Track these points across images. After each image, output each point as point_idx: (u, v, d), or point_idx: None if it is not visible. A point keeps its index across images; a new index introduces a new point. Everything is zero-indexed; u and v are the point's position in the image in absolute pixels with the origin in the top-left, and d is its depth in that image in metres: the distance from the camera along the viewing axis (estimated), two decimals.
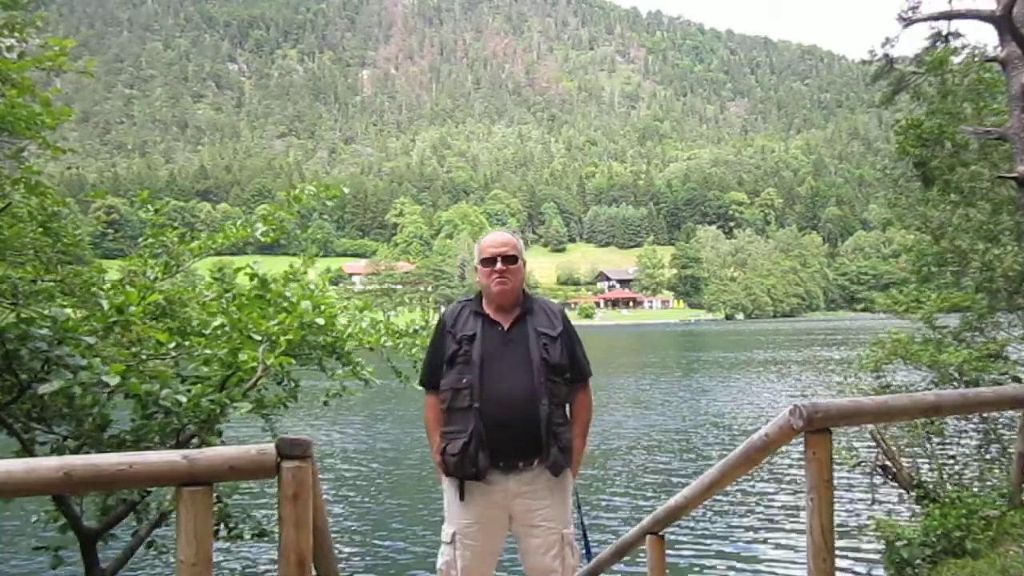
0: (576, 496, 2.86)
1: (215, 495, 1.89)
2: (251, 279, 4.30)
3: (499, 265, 2.75)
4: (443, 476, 2.77)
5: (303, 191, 4.66)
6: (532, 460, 2.67)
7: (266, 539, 4.44)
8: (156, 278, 4.32)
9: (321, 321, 4.14)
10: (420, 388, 2.95)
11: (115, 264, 4.60)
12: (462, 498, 2.70)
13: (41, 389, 2.92)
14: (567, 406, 2.83)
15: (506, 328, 2.76)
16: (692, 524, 8.98)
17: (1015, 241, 7.61)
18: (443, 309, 3.11)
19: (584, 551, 2.76)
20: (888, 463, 7.00)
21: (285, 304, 4.20)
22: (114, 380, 3.00)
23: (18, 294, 3.42)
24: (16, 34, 3.40)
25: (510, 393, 2.65)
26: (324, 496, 2.45)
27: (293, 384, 4.55)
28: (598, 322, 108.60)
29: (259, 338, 3.86)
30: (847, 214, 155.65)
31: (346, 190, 4.92)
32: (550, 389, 2.68)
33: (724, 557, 8.02)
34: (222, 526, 4.45)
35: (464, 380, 2.68)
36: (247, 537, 4.54)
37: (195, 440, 3.83)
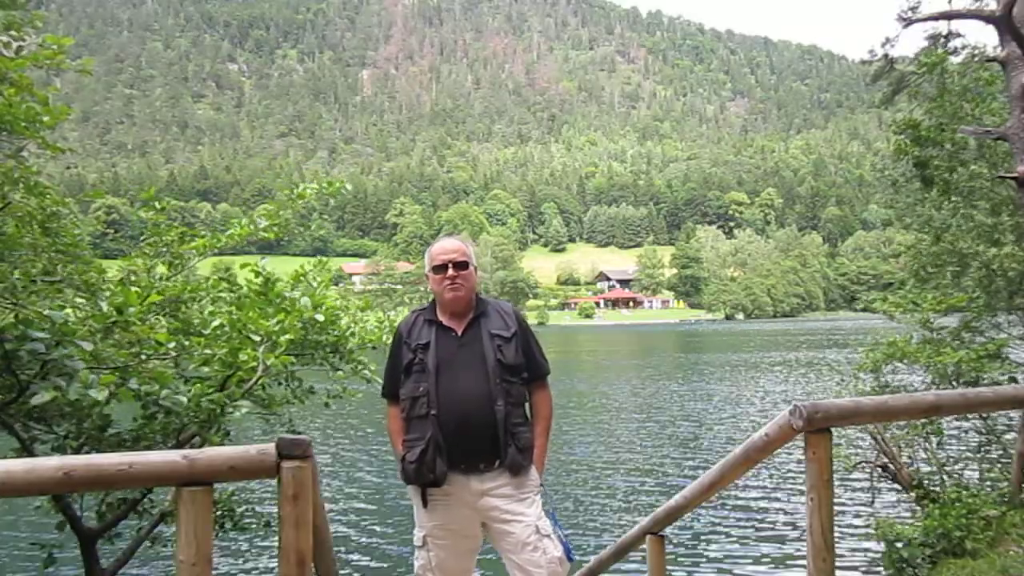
0: (545, 495, 2.85)
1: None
2: (256, 276, 4.31)
3: (450, 271, 2.78)
4: (405, 484, 2.79)
5: (306, 189, 4.68)
6: (492, 461, 2.69)
7: (267, 539, 4.45)
8: (162, 277, 4.33)
9: (321, 317, 4.14)
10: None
11: (115, 264, 4.60)
12: (425, 504, 2.73)
13: (34, 400, 2.91)
14: (526, 406, 2.85)
15: (459, 333, 2.79)
16: (692, 524, 8.98)
17: (1015, 241, 7.61)
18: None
19: (564, 549, 2.74)
20: (888, 463, 7.00)
21: (285, 304, 4.20)
22: (102, 395, 2.98)
23: (18, 294, 3.42)
24: (13, 32, 3.39)
25: (466, 397, 2.67)
26: (324, 496, 2.45)
27: (298, 383, 4.56)
28: (598, 322, 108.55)
29: (258, 338, 3.86)
30: (847, 214, 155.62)
31: (348, 186, 4.94)
32: (506, 390, 2.71)
33: (724, 557, 8.02)
34: (224, 520, 4.46)
35: (421, 388, 2.70)
36: (250, 529, 4.56)
37: (196, 439, 3.84)
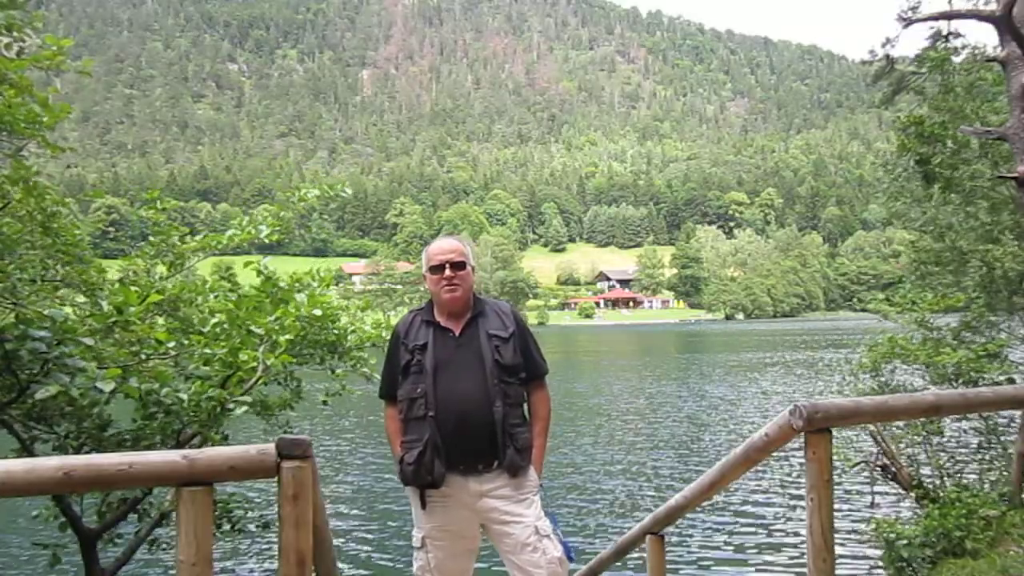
0: (543, 494, 2.85)
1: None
2: (257, 275, 4.30)
3: (447, 272, 2.76)
4: (404, 485, 2.78)
5: (307, 193, 4.67)
6: (491, 462, 2.69)
7: (267, 539, 4.45)
8: (162, 277, 4.33)
9: (318, 312, 4.14)
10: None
11: (115, 264, 4.61)
12: (423, 506, 2.72)
13: (38, 395, 2.92)
14: (524, 407, 2.84)
15: (457, 333, 2.77)
16: (692, 524, 8.98)
17: (1015, 241, 7.61)
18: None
19: (564, 549, 2.74)
20: (888, 463, 7.00)
21: (283, 295, 4.20)
22: (108, 387, 2.99)
23: (18, 294, 3.42)
24: (14, 33, 3.39)
25: (464, 398, 2.66)
26: (324, 496, 2.45)
27: (296, 384, 4.57)
28: (598, 322, 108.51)
29: (260, 332, 3.86)
30: (847, 214, 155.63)
31: (348, 190, 4.94)
32: (503, 391, 2.70)
33: (724, 557, 8.02)
34: (224, 521, 4.46)
35: (418, 389, 2.69)
36: (249, 529, 4.56)
37: (196, 439, 3.84)
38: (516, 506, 2.69)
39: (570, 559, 2.75)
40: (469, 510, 2.71)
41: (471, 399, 2.66)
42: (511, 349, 2.76)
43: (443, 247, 2.83)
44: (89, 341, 3.19)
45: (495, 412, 2.66)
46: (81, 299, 3.90)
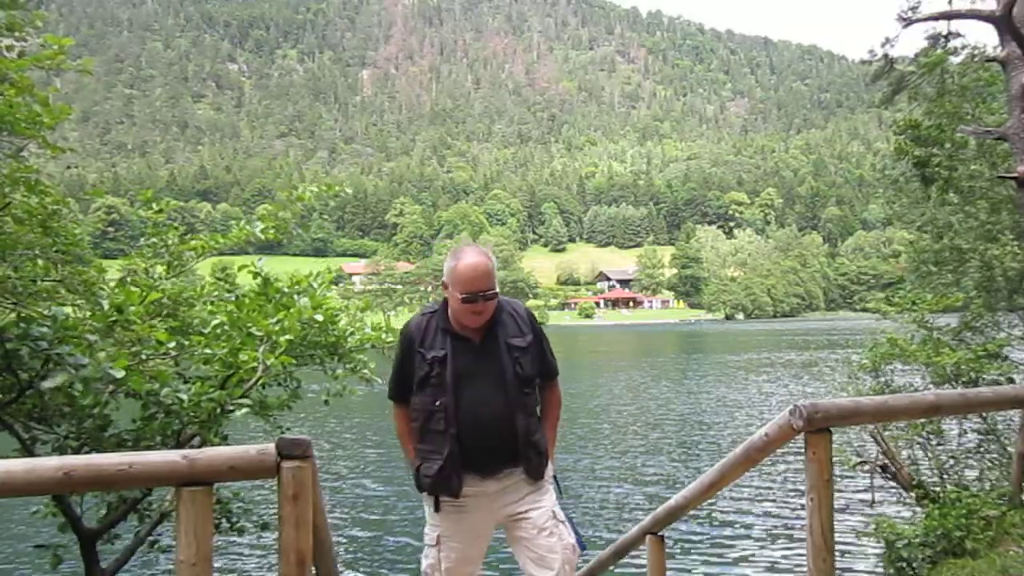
0: (556, 485, 2.85)
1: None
2: (254, 277, 4.31)
3: (479, 305, 2.61)
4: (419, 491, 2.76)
5: (306, 191, 4.68)
6: (511, 465, 2.68)
7: (268, 540, 4.44)
8: (160, 277, 4.33)
9: (320, 317, 4.13)
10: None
11: (115, 264, 4.60)
12: (437, 509, 2.71)
13: (44, 384, 2.93)
14: (538, 408, 2.81)
15: (476, 342, 2.68)
16: (692, 524, 8.98)
17: (1014, 240, 7.61)
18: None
19: (576, 539, 2.76)
20: (888, 463, 7.00)
21: (284, 300, 4.21)
22: (120, 373, 3.00)
23: (18, 294, 3.42)
24: (15, 33, 3.39)
25: (485, 412, 2.61)
26: (324, 496, 2.45)
27: (296, 384, 4.57)
28: (598, 322, 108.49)
29: (260, 334, 3.86)
30: (847, 214, 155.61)
31: (348, 190, 4.95)
32: (524, 402, 2.66)
33: (724, 557, 8.02)
34: (224, 521, 4.46)
35: (437, 403, 2.61)
36: (250, 529, 4.56)
37: (196, 439, 3.83)
38: (534, 494, 2.70)
39: (582, 547, 2.76)
40: (486, 511, 2.70)
41: (493, 413, 2.61)
42: (530, 360, 2.70)
43: (475, 275, 2.59)
44: (92, 338, 3.19)
45: (518, 426, 2.62)
46: (80, 301, 3.89)
